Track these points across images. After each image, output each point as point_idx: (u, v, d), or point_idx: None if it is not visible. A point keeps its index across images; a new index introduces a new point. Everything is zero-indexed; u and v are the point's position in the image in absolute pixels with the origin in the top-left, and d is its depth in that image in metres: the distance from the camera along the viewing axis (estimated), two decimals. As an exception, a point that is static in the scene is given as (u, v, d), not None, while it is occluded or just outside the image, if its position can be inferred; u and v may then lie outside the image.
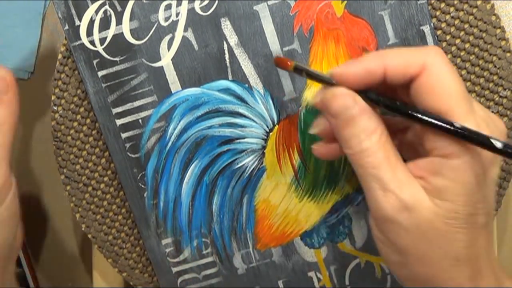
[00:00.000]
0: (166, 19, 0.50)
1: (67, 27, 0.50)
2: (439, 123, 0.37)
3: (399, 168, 0.39)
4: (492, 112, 0.51)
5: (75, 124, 0.53)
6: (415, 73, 0.38)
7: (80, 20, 0.50)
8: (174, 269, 0.54)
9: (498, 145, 0.36)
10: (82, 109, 0.53)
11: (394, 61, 0.39)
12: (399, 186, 0.38)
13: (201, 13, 0.50)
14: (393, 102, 0.39)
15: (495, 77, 0.50)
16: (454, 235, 0.38)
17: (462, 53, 0.50)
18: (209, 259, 0.54)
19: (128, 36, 0.50)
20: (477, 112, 0.38)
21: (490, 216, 0.39)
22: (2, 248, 0.48)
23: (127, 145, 0.52)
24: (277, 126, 0.51)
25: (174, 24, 0.50)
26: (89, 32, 0.50)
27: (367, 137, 0.39)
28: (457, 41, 0.50)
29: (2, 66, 0.47)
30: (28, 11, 0.59)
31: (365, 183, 0.39)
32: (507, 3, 0.54)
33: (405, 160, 0.40)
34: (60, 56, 0.51)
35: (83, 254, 0.60)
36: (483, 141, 0.36)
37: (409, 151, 0.42)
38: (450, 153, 0.37)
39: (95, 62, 0.50)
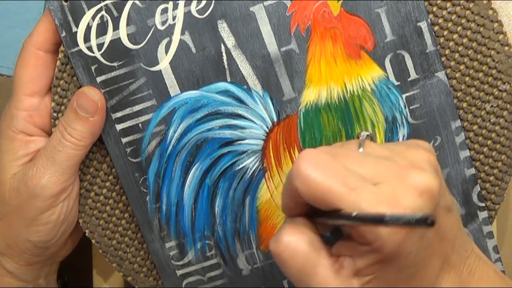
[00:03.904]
0: (163, 23, 0.50)
1: (64, 33, 0.50)
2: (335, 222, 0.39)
3: (322, 266, 0.40)
4: (492, 106, 0.51)
5: (76, 130, 0.53)
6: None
7: (77, 26, 0.50)
8: (179, 272, 0.54)
9: (353, 214, 0.37)
10: (82, 115, 0.53)
11: (288, 196, 0.41)
12: (324, 284, 0.39)
13: (197, 16, 0.50)
14: (322, 214, 0.40)
15: (494, 71, 0.50)
16: None
17: (460, 48, 0.50)
18: (213, 261, 0.54)
19: (126, 41, 0.50)
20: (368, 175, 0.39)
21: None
22: (43, 249, 0.52)
23: (128, 149, 0.52)
24: (277, 126, 0.51)
25: (171, 27, 0.50)
26: (87, 38, 0.50)
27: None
28: (455, 36, 0.50)
29: (98, 90, 0.51)
30: (28, 11, 0.59)
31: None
32: (507, 3, 0.54)
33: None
34: (58, 62, 0.51)
35: (83, 254, 0.60)
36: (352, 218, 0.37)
37: None
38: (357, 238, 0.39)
39: (93, 68, 0.50)
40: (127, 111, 0.51)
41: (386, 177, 0.38)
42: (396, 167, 0.39)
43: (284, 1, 0.49)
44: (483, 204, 0.52)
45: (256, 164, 0.52)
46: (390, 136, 0.51)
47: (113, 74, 0.51)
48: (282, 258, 0.40)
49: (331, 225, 0.43)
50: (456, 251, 0.42)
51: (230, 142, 0.51)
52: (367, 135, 0.43)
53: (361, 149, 0.41)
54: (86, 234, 0.55)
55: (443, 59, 0.50)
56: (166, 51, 0.50)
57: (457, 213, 0.43)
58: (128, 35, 0.50)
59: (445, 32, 0.50)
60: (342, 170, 0.38)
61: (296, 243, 0.40)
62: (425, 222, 0.34)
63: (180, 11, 0.50)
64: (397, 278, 0.39)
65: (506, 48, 0.50)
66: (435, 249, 0.40)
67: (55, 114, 0.52)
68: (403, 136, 0.51)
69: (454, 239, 0.41)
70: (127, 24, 0.50)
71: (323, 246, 0.41)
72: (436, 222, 0.33)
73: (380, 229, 0.37)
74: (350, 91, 0.50)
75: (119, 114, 0.51)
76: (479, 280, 0.42)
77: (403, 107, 0.51)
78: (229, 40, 0.50)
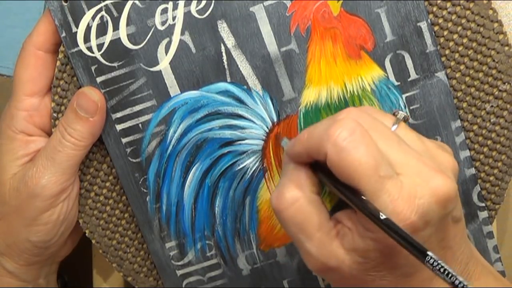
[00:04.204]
0: (163, 23, 0.50)
1: (64, 34, 0.50)
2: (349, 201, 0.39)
3: (321, 229, 0.40)
4: (492, 106, 0.51)
5: (76, 130, 0.53)
6: (324, 159, 0.39)
7: (77, 26, 0.50)
8: (179, 272, 0.54)
9: (382, 217, 0.37)
10: (82, 115, 0.53)
11: (305, 148, 0.41)
12: (318, 248, 0.40)
13: (197, 16, 0.50)
14: (329, 179, 0.40)
15: (494, 71, 0.50)
16: (380, 281, 0.40)
17: (460, 48, 0.50)
18: (214, 261, 0.54)
19: (126, 41, 0.50)
20: (406, 166, 0.38)
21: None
22: (43, 249, 0.52)
23: (128, 150, 0.52)
24: (277, 126, 0.51)
25: (171, 27, 0.50)
26: (87, 39, 0.50)
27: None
28: (455, 36, 0.50)
29: (98, 90, 0.51)
30: (28, 11, 0.59)
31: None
32: (507, 3, 0.54)
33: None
34: (58, 63, 0.51)
35: (83, 254, 0.60)
36: (373, 215, 0.37)
37: None
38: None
39: (93, 68, 0.50)
40: (127, 111, 0.51)
41: (411, 171, 0.38)
42: (423, 165, 0.39)
43: (284, 1, 0.49)
44: (483, 204, 0.52)
45: (256, 164, 0.52)
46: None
47: (113, 74, 0.51)
48: (283, 216, 0.40)
49: (336, 192, 0.42)
50: (456, 259, 0.41)
51: (230, 142, 0.51)
52: (404, 116, 0.42)
53: (394, 127, 0.41)
54: (86, 234, 0.55)
55: (443, 59, 0.50)
56: (166, 51, 0.50)
57: (463, 224, 0.43)
58: (128, 35, 0.50)
59: (445, 32, 0.50)
60: (376, 153, 0.38)
61: (298, 203, 0.40)
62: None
63: (180, 11, 0.50)
64: (390, 273, 0.39)
65: (506, 48, 0.50)
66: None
67: (55, 114, 0.52)
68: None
69: (456, 248, 0.41)
70: (127, 24, 0.50)
71: (324, 207, 0.41)
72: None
73: None
74: (350, 91, 0.50)
75: (119, 114, 0.51)
76: (474, 284, 0.42)
77: (403, 107, 0.51)
78: (229, 40, 0.50)
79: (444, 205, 0.38)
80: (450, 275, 0.35)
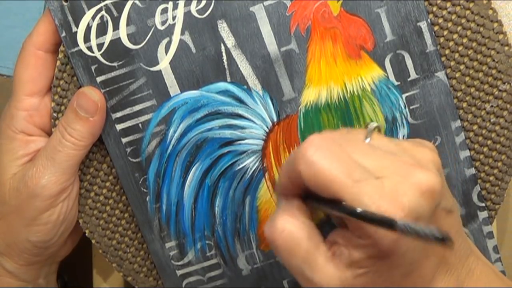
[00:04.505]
0: (163, 23, 0.50)
1: (64, 34, 0.50)
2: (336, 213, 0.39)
3: (316, 253, 0.40)
4: (492, 106, 0.51)
5: (76, 130, 0.53)
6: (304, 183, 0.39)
7: (77, 26, 0.50)
8: (179, 272, 0.54)
9: (358, 210, 0.37)
10: (82, 115, 0.53)
11: (287, 177, 0.41)
12: (318, 272, 0.39)
13: (197, 16, 0.50)
14: (318, 201, 0.40)
15: (494, 71, 0.50)
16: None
17: (460, 48, 0.50)
18: (213, 261, 0.54)
19: (126, 41, 0.50)
20: (377, 170, 0.39)
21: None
22: (42, 248, 0.52)
23: (128, 149, 0.52)
24: (277, 126, 0.51)
25: (171, 27, 0.50)
26: (87, 38, 0.50)
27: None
28: (455, 36, 0.50)
29: (98, 90, 0.51)
30: (28, 11, 0.59)
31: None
32: (507, 3, 0.54)
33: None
34: (58, 63, 0.51)
35: (83, 254, 0.60)
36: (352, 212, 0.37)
37: None
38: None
39: (93, 68, 0.50)
40: (127, 111, 0.51)
41: (390, 172, 0.38)
42: (401, 163, 0.39)
43: (284, 1, 0.49)
44: (483, 204, 0.52)
45: (256, 164, 0.52)
46: (390, 136, 0.51)
47: (113, 74, 0.51)
48: (276, 244, 0.40)
49: (326, 211, 0.43)
50: (454, 252, 0.41)
51: (230, 142, 0.51)
52: (375, 126, 0.43)
53: (367, 140, 0.42)
54: (86, 234, 0.55)
55: (443, 59, 0.50)
56: (166, 51, 0.50)
57: (457, 215, 0.43)
58: (128, 35, 0.50)
59: (445, 32, 0.50)
60: (348, 160, 0.38)
61: (289, 229, 0.40)
62: (443, 241, 0.34)
63: (180, 11, 0.50)
64: (390, 274, 0.39)
65: (506, 48, 0.50)
66: (432, 250, 0.40)
67: (55, 114, 0.52)
68: (403, 136, 0.51)
69: (454, 241, 0.41)
70: (127, 24, 0.50)
71: (317, 232, 0.41)
72: (454, 244, 0.34)
73: None
74: (350, 91, 0.50)
75: (119, 114, 0.51)
76: (477, 281, 0.42)
77: (403, 107, 0.51)
78: (229, 40, 0.50)
79: (430, 198, 0.38)
80: (422, 232, 0.35)
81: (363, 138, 0.42)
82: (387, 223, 0.36)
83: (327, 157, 0.38)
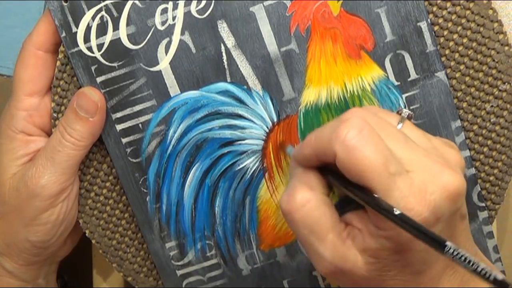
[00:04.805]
0: (163, 23, 0.50)
1: (64, 34, 0.50)
2: (363, 202, 0.38)
3: (333, 231, 0.39)
4: (492, 106, 0.51)
5: (76, 130, 0.53)
6: (333, 161, 0.39)
7: (77, 26, 0.50)
8: (179, 272, 0.54)
9: (397, 212, 0.36)
10: (82, 115, 0.53)
11: (314, 150, 0.40)
12: (331, 250, 0.39)
13: (197, 16, 0.50)
14: (339, 181, 0.40)
15: (494, 71, 0.50)
16: (391, 281, 0.40)
17: (460, 48, 0.50)
18: (214, 261, 0.54)
19: (126, 41, 0.50)
20: (413, 162, 0.38)
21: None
22: (42, 248, 0.52)
23: (128, 150, 0.52)
24: (277, 126, 0.51)
25: (171, 27, 0.50)
26: (87, 39, 0.50)
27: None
28: (455, 36, 0.50)
29: (98, 90, 0.51)
30: (28, 11, 0.59)
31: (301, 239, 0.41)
32: (507, 3, 0.54)
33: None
34: (58, 63, 0.51)
35: (83, 254, 0.60)
36: (386, 210, 0.37)
37: None
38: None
39: (93, 68, 0.50)
40: (127, 111, 0.51)
41: (420, 167, 0.38)
42: (431, 161, 0.39)
43: (284, 1, 0.49)
44: (483, 204, 0.52)
45: (256, 164, 0.52)
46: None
47: (113, 74, 0.51)
48: (294, 217, 0.40)
49: (348, 194, 0.42)
50: None
51: (230, 142, 0.51)
52: (409, 113, 0.42)
53: (400, 125, 0.41)
54: (86, 234, 0.55)
55: (443, 59, 0.50)
56: (166, 51, 0.50)
57: (467, 221, 0.43)
58: (128, 35, 0.50)
59: (445, 32, 0.50)
60: (386, 151, 0.38)
61: (309, 204, 0.40)
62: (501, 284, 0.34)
63: (180, 11, 0.50)
64: (401, 271, 0.39)
65: (506, 48, 0.50)
66: None
67: (55, 114, 0.52)
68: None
69: (462, 246, 0.41)
70: (127, 24, 0.50)
71: (334, 209, 0.41)
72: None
73: None
74: (350, 91, 0.50)
75: (119, 114, 0.51)
76: (479, 281, 0.42)
77: (403, 107, 0.51)
78: (229, 40, 0.50)
79: (454, 200, 0.38)
80: (471, 263, 0.35)
81: (396, 123, 0.41)
82: (436, 242, 0.36)
83: (367, 144, 0.38)
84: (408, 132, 0.41)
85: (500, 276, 0.34)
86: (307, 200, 0.40)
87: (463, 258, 0.35)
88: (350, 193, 0.40)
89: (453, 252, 0.35)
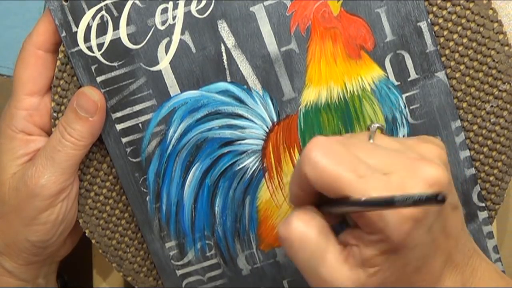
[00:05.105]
0: (163, 22, 0.50)
1: (64, 33, 0.50)
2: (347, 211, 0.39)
3: (333, 252, 0.40)
4: (492, 106, 0.51)
5: (76, 130, 0.53)
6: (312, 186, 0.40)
7: (77, 26, 0.50)
8: (179, 272, 0.54)
9: (362, 198, 0.37)
10: (82, 115, 0.53)
11: (296, 184, 0.41)
12: (333, 272, 0.39)
13: (197, 15, 0.50)
14: (331, 203, 0.40)
15: (494, 71, 0.50)
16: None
17: (460, 48, 0.50)
18: (213, 261, 0.54)
19: (126, 41, 0.50)
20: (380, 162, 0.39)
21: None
22: (41, 248, 0.52)
23: (128, 149, 0.52)
24: (277, 126, 0.51)
25: (171, 27, 0.50)
26: (87, 38, 0.50)
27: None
28: (455, 36, 0.50)
29: (98, 90, 0.51)
30: (28, 11, 0.59)
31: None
32: (507, 3, 0.54)
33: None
34: (58, 62, 0.51)
35: (83, 254, 0.60)
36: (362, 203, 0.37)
37: None
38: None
39: (93, 67, 0.50)
40: (127, 111, 0.51)
41: (396, 168, 0.39)
42: (406, 159, 0.39)
43: (284, 1, 0.49)
44: (483, 204, 0.52)
45: (256, 164, 0.52)
46: (390, 136, 0.51)
47: (113, 74, 0.51)
48: (290, 243, 0.40)
49: (339, 216, 0.43)
50: (459, 250, 0.42)
51: (230, 142, 0.51)
52: (378, 126, 0.43)
53: (371, 140, 0.42)
54: (86, 234, 0.55)
55: (443, 59, 0.50)
56: (166, 51, 0.50)
57: (461, 212, 0.43)
58: (128, 35, 0.50)
59: (445, 32, 0.50)
60: (351, 158, 0.38)
61: (306, 228, 0.40)
62: (436, 199, 0.34)
63: (180, 11, 0.50)
64: (402, 272, 0.39)
65: (506, 48, 0.50)
66: (440, 245, 0.40)
67: (55, 114, 0.52)
68: (403, 136, 0.51)
69: (458, 237, 0.42)
70: (127, 24, 0.50)
71: (331, 233, 0.41)
72: (446, 198, 0.33)
73: (388, 217, 0.37)
74: (350, 91, 0.50)
75: (119, 114, 0.51)
76: (480, 279, 0.42)
77: (403, 107, 0.51)
78: (229, 40, 0.50)
79: (437, 190, 0.38)
80: (418, 197, 0.35)
81: (366, 139, 0.42)
82: (388, 202, 0.36)
83: (330, 156, 0.38)
84: (380, 143, 0.41)
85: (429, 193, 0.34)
86: (304, 223, 0.40)
87: (407, 198, 0.35)
88: (336, 210, 0.40)
89: (400, 199, 0.35)
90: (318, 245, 0.40)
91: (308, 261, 0.40)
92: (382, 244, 0.38)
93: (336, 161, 0.38)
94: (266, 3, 0.49)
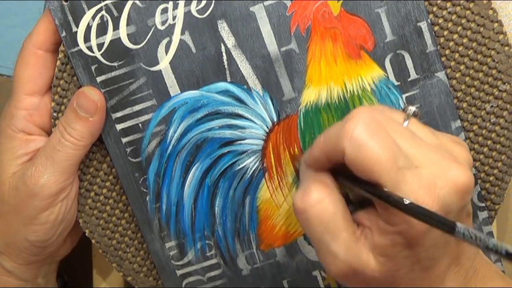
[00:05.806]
0: (163, 22, 0.50)
1: (64, 33, 0.50)
2: (373, 197, 0.38)
3: (347, 229, 0.39)
4: (492, 106, 0.51)
5: (76, 130, 0.53)
6: (342, 159, 0.39)
7: (77, 26, 0.50)
8: (179, 272, 0.54)
9: (406, 201, 0.37)
10: (82, 115, 0.53)
11: (323, 151, 0.40)
12: (345, 249, 0.39)
13: (197, 15, 0.50)
14: (349, 179, 0.40)
15: (494, 71, 0.50)
16: (400, 281, 0.40)
17: (460, 48, 0.50)
18: (213, 261, 0.54)
19: (126, 41, 0.50)
20: (421, 158, 0.38)
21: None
22: (41, 248, 0.52)
23: (128, 149, 0.52)
24: (277, 126, 0.51)
25: (171, 27, 0.50)
26: (87, 38, 0.50)
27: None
28: (455, 36, 0.50)
29: (98, 90, 0.50)
30: (28, 11, 0.59)
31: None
32: (507, 3, 0.54)
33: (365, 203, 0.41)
34: (58, 62, 0.51)
35: (83, 254, 0.60)
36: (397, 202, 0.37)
37: None
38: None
39: (93, 67, 0.50)
40: (127, 111, 0.51)
41: (428, 162, 0.38)
42: (439, 156, 0.39)
43: (284, 1, 0.49)
44: (483, 204, 0.52)
45: (256, 164, 0.52)
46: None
47: (113, 74, 0.51)
48: (307, 216, 0.40)
49: (359, 192, 0.42)
50: (465, 253, 0.42)
51: (230, 142, 0.51)
52: (414, 110, 0.42)
53: (406, 123, 0.41)
54: (86, 234, 0.55)
55: (443, 59, 0.50)
56: (166, 51, 0.50)
57: (471, 221, 0.43)
58: (128, 35, 0.50)
59: (445, 32, 0.50)
60: (394, 146, 0.38)
61: (325, 202, 0.39)
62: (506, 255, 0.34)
63: (180, 11, 0.50)
64: (411, 268, 0.39)
65: (506, 48, 0.50)
66: (450, 248, 0.40)
67: (55, 114, 0.52)
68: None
69: (466, 243, 0.42)
70: (127, 24, 0.50)
71: (347, 210, 0.40)
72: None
73: None
74: (350, 91, 0.50)
75: (119, 114, 0.51)
76: (482, 280, 0.42)
77: (403, 107, 0.51)
78: (229, 40, 0.50)
79: (463, 196, 0.38)
80: (482, 240, 0.35)
81: (402, 121, 0.41)
82: (447, 225, 0.36)
83: (375, 139, 0.38)
84: (414, 129, 0.41)
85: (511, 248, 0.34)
86: (323, 197, 0.40)
87: (474, 236, 0.35)
88: (360, 190, 0.39)
89: (463, 232, 0.35)
90: (334, 221, 0.39)
91: (322, 235, 0.40)
92: (397, 236, 0.38)
93: (380, 146, 0.37)
94: (266, 3, 0.49)
